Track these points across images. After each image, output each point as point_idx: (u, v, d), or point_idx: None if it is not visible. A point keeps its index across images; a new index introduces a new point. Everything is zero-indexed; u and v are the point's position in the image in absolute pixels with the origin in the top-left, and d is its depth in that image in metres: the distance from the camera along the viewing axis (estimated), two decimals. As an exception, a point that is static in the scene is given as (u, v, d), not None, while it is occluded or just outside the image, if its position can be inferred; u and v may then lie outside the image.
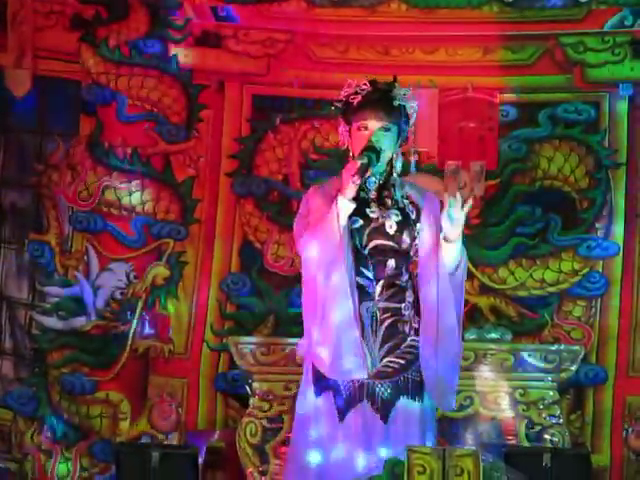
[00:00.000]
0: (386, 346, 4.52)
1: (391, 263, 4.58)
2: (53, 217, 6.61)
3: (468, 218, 6.51)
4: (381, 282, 4.57)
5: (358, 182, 4.40)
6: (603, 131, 6.63)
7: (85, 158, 6.62)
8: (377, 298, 4.55)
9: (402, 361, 4.55)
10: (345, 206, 4.42)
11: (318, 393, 4.57)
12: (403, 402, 4.54)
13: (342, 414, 4.54)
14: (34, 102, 6.60)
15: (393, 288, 4.57)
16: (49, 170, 6.62)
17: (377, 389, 4.55)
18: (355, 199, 4.42)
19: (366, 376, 4.48)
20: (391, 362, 4.53)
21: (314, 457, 4.56)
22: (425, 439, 4.52)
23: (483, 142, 6.59)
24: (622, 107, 6.61)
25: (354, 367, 4.47)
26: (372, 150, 4.49)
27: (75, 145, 6.63)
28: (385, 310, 4.55)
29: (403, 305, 4.57)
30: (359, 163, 4.39)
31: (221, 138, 6.71)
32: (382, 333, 4.53)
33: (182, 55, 6.66)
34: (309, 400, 4.59)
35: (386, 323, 4.54)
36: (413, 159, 4.66)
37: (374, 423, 4.51)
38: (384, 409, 4.54)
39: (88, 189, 6.62)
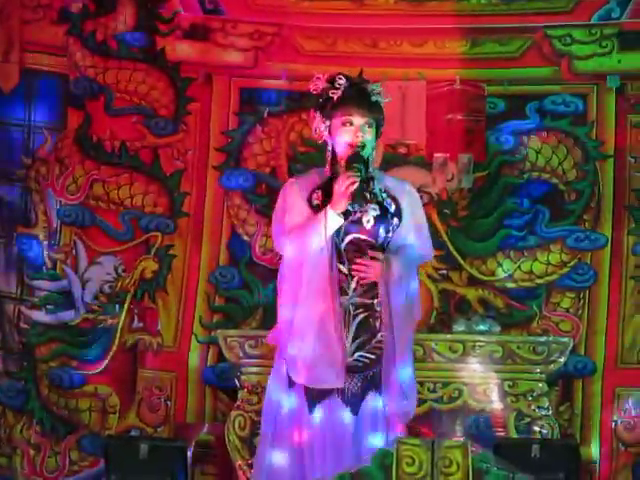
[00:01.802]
0: (357, 341, 4.57)
1: (366, 259, 4.58)
2: (41, 211, 6.59)
3: (457, 210, 6.61)
4: (356, 278, 4.59)
5: (350, 200, 4.47)
6: (591, 123, 6.61)
7: (73, 152, 6.60)
8: (351, 294, 4.63)
9: (372, 356, 4.61)
10: (334, 220, 4.49)
11: (291, 384, 4.61)
12: (372, 396, 4.59)
13: (312, 406, 4.57)
14: (22, 96, 6.59)
15: (367, 284, 4.55)
16: (37, 164, 6.60)
17: (347, 383, 4.57)
18: (343, 213, 4.48)
19: (342, 385, 4.52)
20: (362, 357, 4.59)
21: (284, 445, 4.58)
22: (394, 429, 4.58)
23: (471, 134, 6.57)
24: (610, 99, 6.58)
25: (330, 378, 4.52)
26: (360, 161, 4.54)
27: (63, 139, 6.62)
28: (358, 305, 4.61)
29: (376, 301, 4.61)
30: (354, 188, 4.43)
31: (209, 131, 6.69)
32: (354, 328, 4.58)
33: (170, 48, 6.64)
34: (281, 390, 4.63)
35: (359, 318, 4.59)
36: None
37: (344, 416, 4.55)
38: (354, 402, 4.61)
39: (76, 183, 6.61)
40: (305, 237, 4.52)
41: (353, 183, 4.46)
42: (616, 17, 6.50)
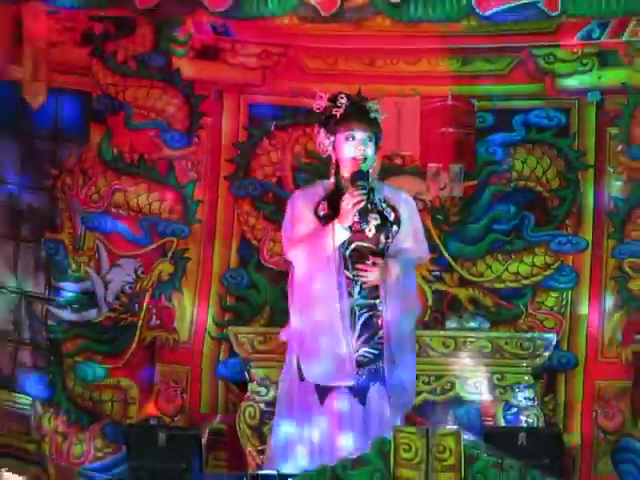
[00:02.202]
0: (362, 338, 4.63)
1: (368, 264, 4.60)
2: (67, 217, 6.58)
3: (449, 216, 6.61)
4: (360, 281, 4.60)
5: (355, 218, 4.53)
6: (573, 135, 6.61)
7: (96, 163, 6.59)
8: (356, 296, 4.66)
9: (376, 351, 4.67)
10: (341, 233, 4.55)
11: (302, 377, 4.62)
12: (376, 387, 4.65)
13: (322, 397, 4.57)
14: (49, 112, 6.57)
15: (369, 286, 4.56)
16: (63, 174, 6.58)
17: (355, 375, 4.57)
18: (350, 227, 4.54)
19: (351, 383, 4.57)
20: (366, 352, 4.65)
21: (296, 435, 4.60)
22: (396, 420, 4.66)
23: (462, 146, 6.57)
24: (590, 113, 6.58)
25: (340, 377, 4.59)
26: (364, 178, 4.59)
27: (87, 151, 6.60)
28: (362, 306, 4.67)
29: (377, 301, 4.67)
30: (360, 205, 4.50)
31: (220, 144, 6.69)
32: (359, 327, 4.64)
33: (184, 67, 6.63)
34: (293, 383, 4.63)
35: (363, 318, 4.66)
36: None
37: (352, 405, 4.60)
38: (361, 393, 4.61)
39: (99, 192, 6.60)
40: (315, 248, 4.57)
41: (359, 202, 4.50)
42: (596, 37, 6.47)
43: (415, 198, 6.25)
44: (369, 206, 4.59)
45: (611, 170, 6.52)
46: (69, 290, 6.55)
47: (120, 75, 6.58)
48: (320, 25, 6.50)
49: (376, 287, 4.66)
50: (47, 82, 6.51)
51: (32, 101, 6.52)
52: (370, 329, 4.64)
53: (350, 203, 4.51)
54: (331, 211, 4.61)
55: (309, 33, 6.57)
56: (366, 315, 4.65)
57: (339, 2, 6.39)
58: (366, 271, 4.62)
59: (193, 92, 6.64)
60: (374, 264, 4.63)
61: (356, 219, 4.57)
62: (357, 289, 4.64)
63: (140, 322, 6.54)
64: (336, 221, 4.54)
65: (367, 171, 4.63)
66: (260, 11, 6.41)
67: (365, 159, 4.63)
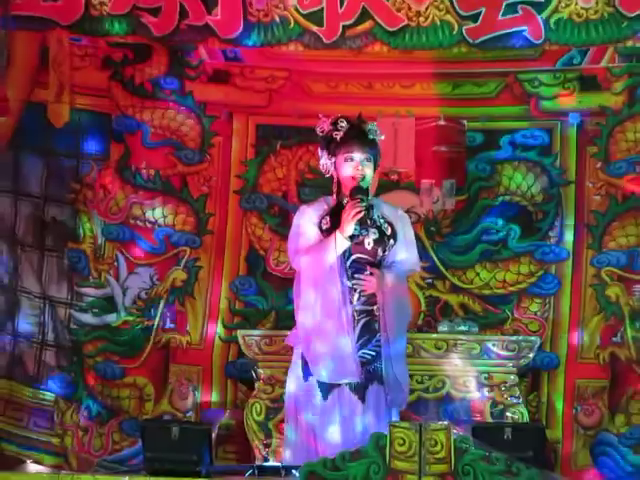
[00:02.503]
0: (361, 340, 4.66)
1: (366, 274, 4.64)
2: (88, 229, 6.59)
3: (441, 228, 6.61)
4: (358, 289, 4.63)
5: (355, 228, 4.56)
6: (555, 154, 6.61)
7: (115, 179, 6.61)
8: (355, 302, 4.64)
9: (374, 353, 4.69)
10: (343, 242, 4.57)
11: (306, 378, 4.63)
12: (375, 386, 4.67)
13: (326, 395, 4.59)
14: (71, 131, 6.58)
15: (367, 294, 4.61)
16: (84, 189, 6.60)
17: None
18: (350, 236, 4.57)
19: (359, 379, 4.59)
20: (365, 353, 4.67)
21: (304, 431, 4.61)
22: (392, 415, 4.68)
23: (453, 163, 6.58)
24: (571, 133, 6.59)
25: (349, 373, 4.61)
26: (363, 192, 4.62)
27: (106, 168, 6.62)
28: (361, 312, 4.68)
29: (375, 307, 4.69)
30: (359, 216, 4.53)
31: (230, 161, 6.70)
32: (358, 330, 4.66)
33: (197, 90, 6.65)
34: (298, 382, 4.64)
35: (362, 322, 4.68)
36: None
37: (352, 402, 4.63)
38: (360, 391, 4.62)
39: (117, 205, 6.62)
40: (319, 257, 4.60)
41: (359, 212, 4.55)
42: (577, 63, 6.49)
43: (410, 211, 6.40)
44: (368, 221, 4.63)
45: (590, 186, 6.53)
46: (90, 296, 6.56)
47: (137, 97, 6.59)
48: (322, 51, 6.54)
49: (373, 295, 4.70)
50: (70, 104, 6.52)
51: (56, 121, 6.53)
52: (368, 332, 4.66)
53: (350, 214, 4.54)
54: (333, 225, 4.64)
55: (312, 59, 6.58)
56: (364, 320, 4.67)
57: (340, 30, 6.46)
58: (366, 281, 4.68)
59: (205, 113, 6.64)
60: (372, 274, 4.68)
61: (356, 231, 4.61)
62: (356, 296, 4.66)
63: (155, 325, 6.54)
64: (338, 232, 4.57)
65: (366, 188, 4.66)
66: (267, 39, 6.50)
67: (363, 178, 4.65)
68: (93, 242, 6.56)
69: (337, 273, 4.59)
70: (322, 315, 4.62)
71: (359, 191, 4.61)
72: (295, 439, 4.67)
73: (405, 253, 4.78)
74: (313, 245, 4.63)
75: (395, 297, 4.70)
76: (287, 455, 4.72)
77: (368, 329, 4.67)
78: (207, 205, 6.64)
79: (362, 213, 4.53)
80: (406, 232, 4.80)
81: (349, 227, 4.55)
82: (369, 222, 4.61)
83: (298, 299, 4.72)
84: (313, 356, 4.62)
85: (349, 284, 4.64)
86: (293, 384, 4.72)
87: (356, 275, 4.66)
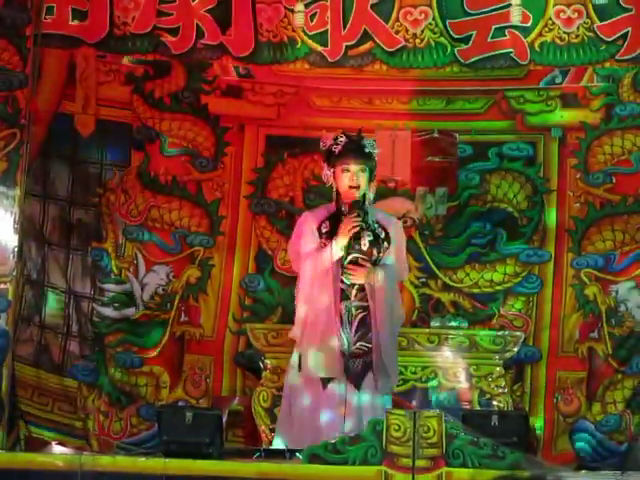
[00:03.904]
0: (358, 334, 4.73)
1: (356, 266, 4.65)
2: (110, 230, 6.56)
3: (434, 231, 6.61)
4: (355, 286, 4.64)
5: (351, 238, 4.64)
6: (539, 165, 6.60)
7: (135, 184, 6.58)
8: (352, 299, 4.68)
9: (369, 345, 4.75)
10: (338, 252, 4.68)
11: (304, 367, 4.65)
12: (370, 376, 4.73)
13: (325, 384, 4.59)
14: (96, 140, 6.56)
15: (363, 291, 4.69)
16: (107, 193, 6.58)
17: (351, 365, 4.70)
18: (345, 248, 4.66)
19: (341, 376, 4.63)
20: (362, 345, 4.75)
21: (302, 417, 4.61)
22: (386, 402, 4.73)
23: (445, 173, 6.57)
24: (554, 146, 6.58)
25: (337, 372, 4.65)
26: (359, 207, 4.72)
27: (128, 174, 6.59)
28: (357, 307, 4.76)
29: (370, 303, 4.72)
30: (355, 230, 4.63)
31: (241, 168, 6.68)
32: (355, 325, 4.72)
33: (211, 104, 6.63)
34: (295, 372, 4.72)
35: (358, 317, 4.75)
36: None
37: (350, 390, 4.67)
38: (357, 380, 4.66)
39: (137, 208, 6.59)
40: (317, 262, 4.67)
41: (354, 227, 4.60)
42: (559, 82, 6.49)
43: (405, 216, 6.41)
44: (364, 225, 4.67)
45: (571, 194, 6.52)
46: (111, 291, 6.52)
47: (157, 109, 6.57)
48: (327, 69, 6.56)
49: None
50: (95, 115, 6.50)
51: (82, 131, 6.51)
52: (364, 327, 4.71)
53: (347, 228, 4.61)
54: (332, 229, 4.72)
55: (317, 76, 6.59)
56: (361, 315, 4.72)
57: (343, 50, 6.48)
58: (354, 270, 4.66)
59: (219, 124, 6.63)
60: (361, 265, 4.70)
61: (351, 242, 4.66)
62: (353, 292, 4.71)
63: (171, 319, 6.50)
64: (334, 242, 4.64)
65: (363, 200, 4.72)
66: (276, 57, 6.52)
67: (358, 187, 4.70)
68: (115, 242, 6.53)
69: (332, 277, 4.60)
70: (316, 315, 4.67)
71: (355, 206, 4.68)
72: (294, 424, 4.65)
73: (394, 259, 4.83)
74: (312, 251, 4.69)
75: (386, 295, 4.74)
76: (281, 435, 4.68)
77: (364, 324, 4.72)
78: (220, 209, 6.63)
79: (357, 228, 4.60)
80: (399, 240, 4.89)
81: (345, 239, 4.61)
82: (365, 226, 4.64)
83: (298, 293, 4.79)
84: (305, 349, 4.62)
85: (347, 282, 4.66)
86: (293, 374, 4.77)
87: (347, 265, 4.68)
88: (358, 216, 4.64)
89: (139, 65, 6.58)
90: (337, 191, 4.80)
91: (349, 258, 4.73)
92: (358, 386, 4.71)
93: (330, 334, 4.67)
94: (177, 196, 6.61)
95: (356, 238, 4.65)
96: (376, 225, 4.79)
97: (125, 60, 6.57)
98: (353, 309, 4.73)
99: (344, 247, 4.65)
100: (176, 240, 6.60)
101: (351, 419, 4.64)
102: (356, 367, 4.73)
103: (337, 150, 4.76)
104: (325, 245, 4.72)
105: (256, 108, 6.65)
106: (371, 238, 4.72)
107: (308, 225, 4.77)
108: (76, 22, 6.46)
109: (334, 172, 4.78)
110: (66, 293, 6.49)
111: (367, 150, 4.79)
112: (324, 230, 4.75)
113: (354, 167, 4.73)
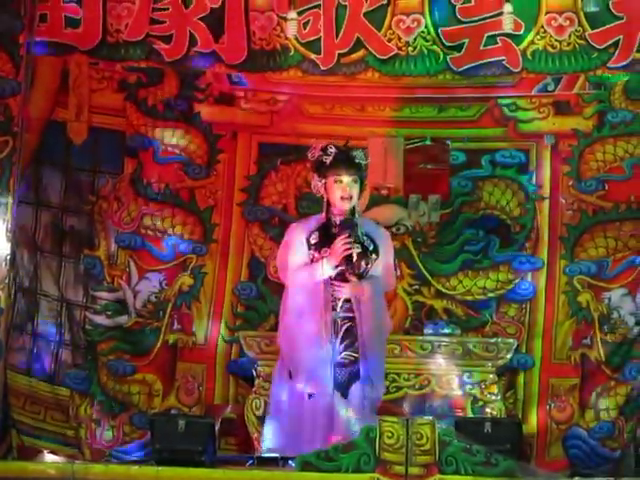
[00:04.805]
0: (344, 343, 4.76)
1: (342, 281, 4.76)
2: (103, 237, 6.54)
3: (427, 239, 6.60)
4: (342, 298, 4.67)
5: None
6: (531, 172, 6.60)
7: (128, 191, 6.56)
8: (339, 310, 4.72)
9: (356, 354, 4.77)
10: (329, 270, 4.70)
11: (291, 376, 4.65)
12: (356, 385, 4.76)
13: (311, 393, 4.67)
14: (89, 147, 6.54)
15: (349, 302, 4.76)
16: (100, 201, 6.56)
17: (337, 374, 4.71)
18: (337, 266, 4.70)
19: (330, 386, 4.64)
20: (348, 355, 4.78)
21: (289, 428, 4.66)
22: (372, 412, 4.73)
23: (438, 180, 6.57)
24: (546, 153, 6.58)
25: (322, 386, 4.66)
26: (350, 225, 4.73)
27: (120, 181, 6.58)
28: (343, 318, 4.79)
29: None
30: (348, 253, 4.65)
31: (234, 176, 6.67)
32: (341, 334, 4.76)
33: (204, 111, 6.62)
34: (284, 382, 4.74)
35: (344, 327, 4.79)
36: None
37: (336, 399, 4.71)
38: (343, 389, 4.72)
39: (130, 215, 6.57)
40: (308, 277, 4.70)
41: (347, 250, 4.63)
42: (551, 90, 6.49)
43: (398, 224, 6.42)
44: (353, 237, 4.70)
45: (563, 201, 6.52)
46: (104, 299, 6.50)
47: (150, 117, 6.55)
48: (319, 77, 6.54)
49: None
50: (88, 122, 6.49)
51: (75, 138, 6.50)
52: (350, 337, 4.74)
53: (339, 250, 4.63)
54: (321, 240, 4.74)
55: (310, 83, 6.57)
56: (347, 325, 4.75)
57: (336, 58, 6.48)
58: (340, 286, 4.68)
59: (212, 132, 6.61)
60: (347, 280, 4.68)
61: (342, 265, 4.69)
62: (340, 304, 4.74)
63: (164, 327, 6.48)
64: (325, 259, 4.66)
65: (352, 214, 4.73)
66: (269, 65, 6.51)
67: (350, 198, 4.73)
68: (107, 249, 6.52)
69: (322, 292, 4.66)
70: (304, 326, 4.71)
71: (346, 225, 4.68)
72: (281, 432, 4.66)
73: (382, 270, 4.83)
74: (302, 265, 4.72)
75: (372, 307, 4.77)
76: (268, 440, 4.69)
77: (350, 334, 4.74)
78: (213, 216, 6.61)
79: (350, 251, 4.60)
80: (387, 251, 4.90)
81: (337, 259, 4.65)
82: (354, 239, 4.65)
83: (285, 309, 4.84)
84: (291, 361, 4.69)
85: (333, 294, 4.69)
86: (279, 384, 4.84)
87: (332, 281, 4.73)
88: (349, 236, 4.65)
89: (132, 72, 6.56)
90: (328, 201, 4.81)
91: (337, 271, 4.76)
92: (345, 395, 4.70)
93: (318, 345, 4.68)
94: (170, 203, 6.59)
95: (348, 263, 4.68)
96: (365, 237, 4.81)
97: (118, 67, 6.56)
98: (339, 320, 4.76)
99: (335, 267, 4.67)
100: (169, 248, 6.58)
101: (338, 428, 4.64)
102: (342, 376, 4.75)
103: (328, 161, 4.78)
104: (314, 257, 4.74)
105: (249, 116, 6.64)
106: (359, 251, 4.74)
107: (297, 237, 4.79)
108: (69, 29, 6.46)
109: (325, 183, 4.80)
110: (58, 301, 6.47)
111: (358, 161, 4.81)
112: (313, 241, 4.77)
113: (346, 178, 4.75)
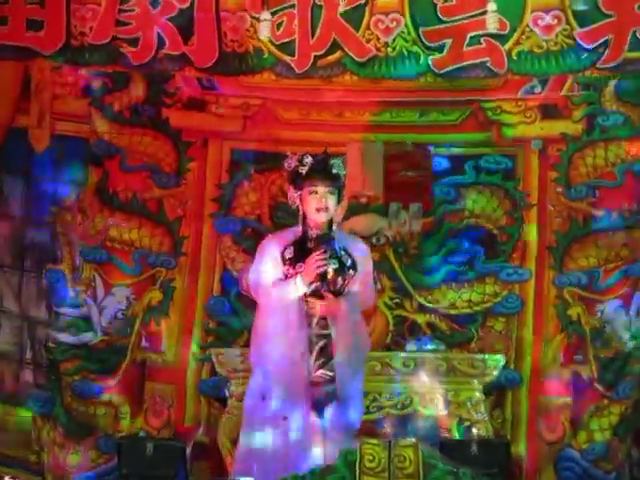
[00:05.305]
0: (318, 362, 4.69)
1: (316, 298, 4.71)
2: (67, 250, 6.46)
3: (408, 249, 6.49)
4: (317, 316, 4.70)
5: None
6: (518, 178, 6.54)
7: (93, 202, 6.48)
8: (314, 327, 4.70)
9: (331, 373, 4.70)
10: (303, 287, 4.65)
11: (264, 397, 4.60)
12: (332, 404, 4.67)
13: (287, 412, 4.60)
14: (51, 156, 6.48)
15: (325, 319, 4.71)
16: (63, 212, 6.48)
17: (312, 394, 4.64)
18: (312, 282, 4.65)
19: (307, 401, 4.60)
20: (323, 374, 4.71)
21: (262, 446, 4.59)
22: (350, 433, 4.65)
23: (420, 187, 6.51)
24: (534, 159, 6.52)
25: (296, 401, 4.60)
26: (326, 240, 4.66)
27: (85, 191, 6.50)
28: (319, 336, 4.72)
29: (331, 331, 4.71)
30: (322, 270, 4.60)
31: (205, 185, 6.60)
32: (316, 352, 4.70)
33: (173, 117, 6.55)
34: (257, 401, 4.66)
35: (319, 344, 4.71)
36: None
37: (312, 419, 4.62)
38: (319, 409, 4.65)
39: (95, 227, 6.48)
40: (281, 295, 4.66)
41: (321, 266, 4.61)
42: (538, 92, 6.44)
43: (378, 233, 6.39)
44: (329, 252, 4.66)
45: (552, 209, 6.47)
46: (68, 315, 6.43)
47: (116, 123, 6.50)
48: (294, 80, 6.48)
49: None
50: (51, 129, 6.44)
51: (37, 146, 6.44)
52: (325, 355, 4.69)
53: (313, 267, 4.61)
54: (296, 255, 4.70)
55: (285, 87, 6.52)
56: (322, 343, 4.70)
57: (311, 61, 6.44)
58: (314, 303, 4.68)
59: (181, 139, 6.57)
60: (322, 297, 4.68)
61: (317, 283, 4.65)
62: (315, 320, 4.70)
63: (131, 344, 6.41)
64: (299, 277, 4.64)
65: (329, 229, 4.71)
66: (241, 68, 6.47)
67: (326, 209, 4.70)
68: (71, 263, 6.45)
69: (297, 309, 4.64)
70: (281, 340, 4.66)
71: (322, 240, 4.66)
72: (252, 455, 4.56)
73: (360, 285, 4.84)
74: (276, 281, 4.71)
75: (349, 324, 4.75)
76: (243, 471, 4.59)
77: (325, 352, 4.71)
78: (182, 227, 6.55)
79: (324, 268, 4.62)
80: (365, 266, 4.87)
81: (311, 276, 4.64)
82: (330, 254, 4.65)
83: (256, 329, 4.80)
84: (265, 384, 4.67)
85: (307, 310, 4.61)
86: (252, 401, 4.75)
87: (307, 298, 4.73)
88: (325, 252, 4.62)
89: (97, 77, 6.51)
90: (304, 214, 4.78)
91: (312, 287, 4.71)
92: (321, 415, 4.66)
93: (292, 364, 4.64)
94: (137, 214, 6.52)
95: (322, 280, 4.68)
96: (342, 252, 4.76)
97: (83, 72, 6.50)
98: (314, 337, 4.71)
99: (309, 284, 4.66)
100: (136, 261, 6.50)
101: (316, 449, 4.61)
102: (318, 395, 4.69)
103: (304, 172, 4.74)
104: (289, 272, 4.70)
105: (220, 121, 6.58)
106: (336, 266, 4.70)
107: (270, 251, 4.75)
108: (31, 32, 6.41)
109: (301, 194, 4.76)
110: (20, 318, 6.41)
111: (335, 171, 4.77)
112: (288, 256, 4.72)
113: (322, 189, 4.71)
